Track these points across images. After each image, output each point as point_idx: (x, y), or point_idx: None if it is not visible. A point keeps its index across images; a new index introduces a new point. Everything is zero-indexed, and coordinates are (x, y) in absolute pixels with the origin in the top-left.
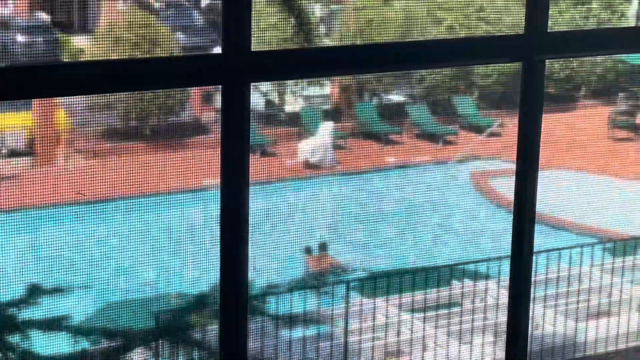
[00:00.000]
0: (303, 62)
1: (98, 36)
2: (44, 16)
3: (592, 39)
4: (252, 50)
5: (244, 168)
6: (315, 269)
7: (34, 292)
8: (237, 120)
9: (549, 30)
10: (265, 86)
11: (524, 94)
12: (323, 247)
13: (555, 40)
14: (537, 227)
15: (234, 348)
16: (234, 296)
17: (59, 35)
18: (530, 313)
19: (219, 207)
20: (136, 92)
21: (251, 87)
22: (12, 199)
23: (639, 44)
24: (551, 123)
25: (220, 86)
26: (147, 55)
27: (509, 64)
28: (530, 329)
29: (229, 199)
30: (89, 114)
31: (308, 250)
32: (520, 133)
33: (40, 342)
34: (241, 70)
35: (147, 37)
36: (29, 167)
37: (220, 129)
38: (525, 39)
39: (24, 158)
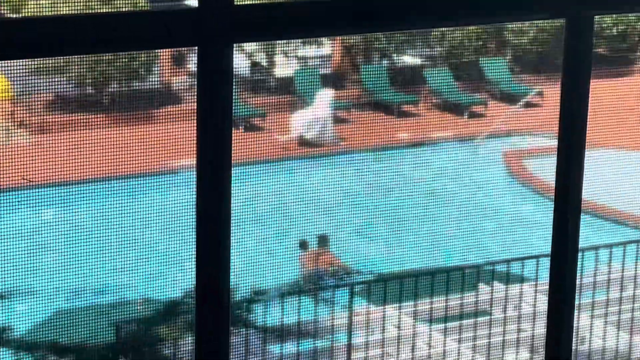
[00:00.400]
0: (297, 17)
1: None
2: None
3: None
4: (235, 3)
5: (225, 145)
6: (312, 268)
7: None
8: (216, 88)
9: None
10: (250, 46)
11: (568, 56)
12: (323, 241)
13: None
14: (583, 219)
15: None
16: (213, 303)
17: None
18: (575, 323)
19: (194, 194)
20: (93, 54)
21: (234, 48)
22: None
23: None
24: (601, 91)
25: (195, 47)
26: (107, 10)
27: (551, 20)
28: (575, 343)
29: (207, 184)
30: (35, 79)
31: (303, 245)
32: (563, 103)
33: None
34: (221, 28)
35: None
36: None
37: (196, 98)
38: None
39: None
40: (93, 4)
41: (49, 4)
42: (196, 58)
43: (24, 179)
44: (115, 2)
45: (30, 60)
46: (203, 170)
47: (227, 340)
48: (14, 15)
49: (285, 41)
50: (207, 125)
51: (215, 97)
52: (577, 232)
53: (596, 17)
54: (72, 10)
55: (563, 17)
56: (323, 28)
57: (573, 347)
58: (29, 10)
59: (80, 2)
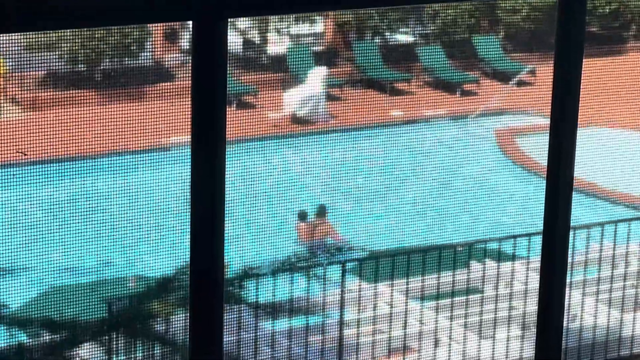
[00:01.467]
0: None
1: None
2: None
3: None
4: None
5: (219, 120)
6: (310, 238)
7: None
8: (210, 63)
9: None
10: (243, 23)
11: (561, 30)
12: (321, 211)
13: None
14: (575, 197)
15: (208, 343)
16: (208, 279)
17: None
18: (567, 301)
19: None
20: (84, 30)
21: (228, 23)
22: None
23: None
24: (594, 70)
25: (190, 22)
26: None
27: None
28: (566, 320)
29: (201, 160)
30: (27, 55)
31: (302, 216)
32: (555, 80)
33: None
34: (216, 3)
35: None
36: None
37: (190, 73)
38: None
39: None
40: None
41: None
42: (190, 34)
43: (20, 153)
44: None
45: (22, 35)
46: (197, 145)
47: (222, 317)
48: None
49: (279, 17)
50: (201, 100)
51: (209, 71)
52: (569, 211)
53: None
54: None
55: None
56: (316, 3)
57: (564, 325)
58: None
59: None
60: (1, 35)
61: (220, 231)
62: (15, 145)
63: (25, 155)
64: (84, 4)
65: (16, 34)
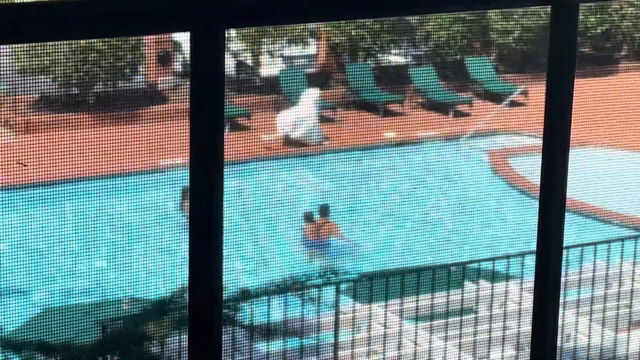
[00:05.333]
0: (289, 3)
1: None
2: None
3: None
4: None
5: (216, 137)
6: (316, 239)
7: None
8: (208, 71)
9: None
10: (236, 45)
11: (553, 47)
12: (324, 211)
13: None
14: (568, 217)
15: None
16: (206, 301)
17: None
18: (560, 321)
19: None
20: (78, 52)
21: (225, 35)
22: None
23: None
24: (586, 90)
25: (185, 34)
26: None
27: (535, 19)
28: (559, 340)
29: (199, 179)
30: (20, 78)
31: (308, 218)
32: (548, 99)
33: None
34: (212, 14)
35: None
36: None
37: (189, 84)
38: None
39: None
40: None
41: None
42: (184, 52)
43: (20, 164)
44: None
45: (15, 59)
46: (195, 165)
47: (220, 338)
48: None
49: (272, 40)
50: (200, 109)
51: (207, 79)
52: (562, 230)
53: (582, 16)
54: None
55: (548, 4)
56: (309, 14)
57: (558, 345)
58: None
59: None
60: None
61: (218, 250)
62: (9, 169)
63: (25, 166)
64: (85, 15)
65: (10, 57)
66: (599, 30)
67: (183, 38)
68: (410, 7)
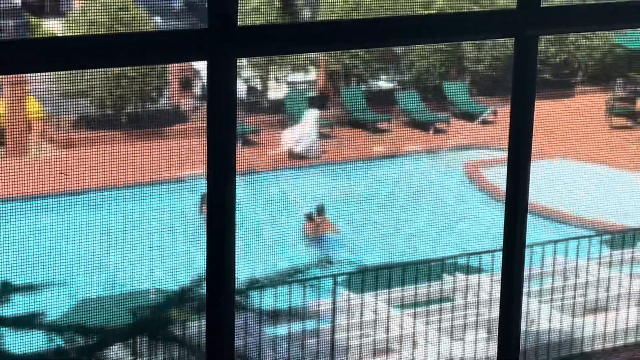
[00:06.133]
0: (290, 36)
1: (71, 19)
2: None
3: (587, 13)
4: (239, 25)
5: (229, 150)
6: (315, 234)
7: (5, 289)
8: (223, 93)
9: (542, 6)
10: (247, 72)
11: (516, 73)
12: (321, 210)
13: (548, 15)
14: (531, 219)
15: (221, 344)
16: (221, 290)
17: (30, 18)
18: (525, 308)
19: (198, 197)
20: (112, 79)
21: (236, 65)
22: None
23: (637, 19)
24: (547, 110)
25: (205, 62)
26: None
27: (503, 50)
28: (524, 325)
29: (215, 187)
30: (62, 101)
31: (309, 217)
32: (512, 116)
33: (11, 340)
34: (226, 45)
35: (123, 20)
36: None
37: (206, 105)
38: (517, 14)
39: None
40: (124, 24)
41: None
42: (202, 78)
43: (62, 174)
44: (135, 25)
45: (57, 83)
46: (211, 174)
47: (233, 321)
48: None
49: (277, 67)
50: (215, 127)
51: (222, 99)
52: (525, 230)
53: (543, 47)
54: (106, 30)
55: (512, 37)
56: (310, 44)
57: (523, 328)
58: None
59: (101, 33)
60: (39, 83)
61: (231, 248)
62: (53, 178)
63: (66, 176)
64: (117, 46)
65: (54, 82)
66: (557, 59)
67: (201, 66)
68: (393, 39)
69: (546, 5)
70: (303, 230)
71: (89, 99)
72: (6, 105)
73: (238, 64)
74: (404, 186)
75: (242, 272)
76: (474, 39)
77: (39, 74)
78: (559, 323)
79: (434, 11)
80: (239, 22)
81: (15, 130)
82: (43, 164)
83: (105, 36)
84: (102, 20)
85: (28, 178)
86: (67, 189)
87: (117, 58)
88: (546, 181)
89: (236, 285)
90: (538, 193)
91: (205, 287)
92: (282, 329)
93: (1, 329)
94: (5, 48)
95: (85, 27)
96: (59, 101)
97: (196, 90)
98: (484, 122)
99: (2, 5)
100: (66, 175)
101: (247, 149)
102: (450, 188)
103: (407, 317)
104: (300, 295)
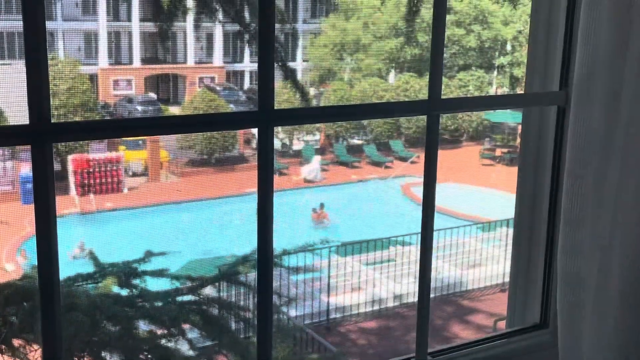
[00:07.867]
0: (314, 116)
1: (184, 106)
2: (152, 95)
3: (470, 101)
4: (275, 108)
5: (270, 180)
6: (317, 220)
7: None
8: (266, 149)
9: (442, 97)
10: (281, 134)
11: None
12: (322, 206)
13: (446, 102)
14: (437, 215)
15: (266, 287)
16: (266, 255)
17: (161, 106)
18: (434, 264)
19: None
20: (206, 138)
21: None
22: (135, 201)
23: (500, 104)
24: (446, 155)
25: (256, 129)
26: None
27: (422, 122)
28: (433, 273)
29: (263, 200)
30: (180, 150)
31: (314, 210)
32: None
33: (151, 283)
34: (268, 119)
35: (212, 106)
36: (144, 183)
37: (257, 156)
38: (428, 102)
39: (141, 177)
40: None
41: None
42: (255, 138)
43: (177, 190)
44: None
45: (178, 139)
46: (261, 194)
47: (272, 272)
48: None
49: (298, 130)
50: (262, 166)
51: (265, 153)
52: (432, 221)
53: (443, 119)
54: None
55: (424, 114)
56: (324, 119)
57: (433, 276)
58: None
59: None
60: (167, 140)
61: (271, 231)
62: (172, 193)
63: (179, 191)
64: (207, 121)
65: (174, 140)
66: (452, 127)
67: (255, 131)
68: (360, 115)
69: (444, 98)
70: (311, 218)
71: (194, 149)
72: (148, 153)
73: (275, 131)
74: (368, 197)
75: (277, 244)
76: (405, 116)
77: (164, 135)
78: (453, 273)
79: (385, 100)
80: (275, 105)
81: (153, 167)
82: (168, 186)
83: (195, 116)
84: (201, 106)
85: (160, 193)
86: (180, 199)
87: (202, 127)
88: (444, 194)
89: (274, 252)
90: (442, 199)
91: (257, 254)
92: (299, 277)
93: (145, 277)
94: (149, 122)
95: (192, 110)
96: (177, 151)
97: (254, 144)
98: (412, 162)
99: (147, 99)
100: (179, 191)
101: (280, 177)
102: (394, 199)
103: (370, 270)
104: (310, 258)
